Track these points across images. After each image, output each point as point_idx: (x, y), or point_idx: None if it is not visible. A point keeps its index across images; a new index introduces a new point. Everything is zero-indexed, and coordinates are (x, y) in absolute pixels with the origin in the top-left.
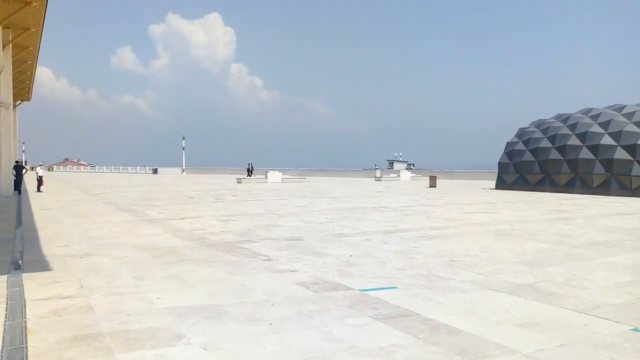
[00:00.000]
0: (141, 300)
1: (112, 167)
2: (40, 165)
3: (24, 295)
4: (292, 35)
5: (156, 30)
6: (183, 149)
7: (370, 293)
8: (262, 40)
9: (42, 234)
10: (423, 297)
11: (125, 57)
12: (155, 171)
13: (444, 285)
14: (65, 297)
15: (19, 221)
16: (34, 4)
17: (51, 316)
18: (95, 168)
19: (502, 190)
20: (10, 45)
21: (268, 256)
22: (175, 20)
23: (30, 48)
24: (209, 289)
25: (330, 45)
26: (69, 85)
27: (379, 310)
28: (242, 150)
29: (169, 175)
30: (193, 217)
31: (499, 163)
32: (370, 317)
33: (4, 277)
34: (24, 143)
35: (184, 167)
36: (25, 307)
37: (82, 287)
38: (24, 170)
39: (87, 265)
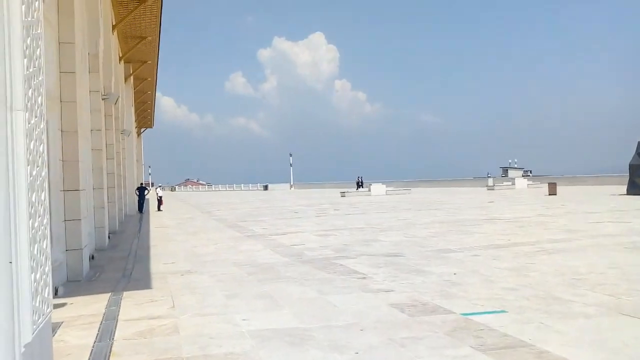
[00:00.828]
0: (227, 322)
1: (227, 185)
2: (160, 186)
3: (118, 314)
4: (394, 47)
5: (264, 54)
6: (290, 165)
7: (474, 318)
8: (365, 54)
9: (154, 251)
10: (537, 323)
11: (237, 82)
12: (265, 188)
13: (564, 310)
14: (155, 318)
15: (136, 239)
16: (149, 38)
17: (137, 338)
18: (211, 187)
19: (635, 196)
20: (132, 77)
21: (363, 274)
22: (280, 43)
23: (149, 79)
24: (297, 310)
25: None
26: (188, 111)
27: (483, 339)
28: (347, 164)
29: (278, 191)
30: (294, 232)
31: (630, 165)
32: (472, 347)
33: (107, 295)
34: (150, 167)
35: (292, 183)
36: (115, 328)
37: (173, 306)
38: (146, 192)
39: (185, 283)
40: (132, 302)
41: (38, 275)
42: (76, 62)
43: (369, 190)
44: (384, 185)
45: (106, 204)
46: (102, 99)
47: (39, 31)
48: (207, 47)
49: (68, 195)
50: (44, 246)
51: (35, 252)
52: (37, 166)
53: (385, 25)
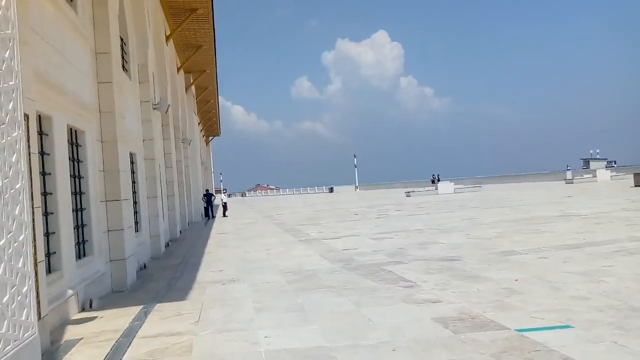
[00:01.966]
0: (246, 340)
1: (294, 189)
2: (224, 192)
3: (139, 330)
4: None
5: (328, 57)
6: (355, 166)
7: (530, 335)
8: (430, 48)
9: (206, 258)
10: (609, 343)
11: (303, 86)
12: (331, 190)
13: None
14: (174, 334)
15: (193, 246)
16: (204, 47)
17: (146, 358)
18: (279, 191)
19: None
20: (193, 87)
21: (412, 282)
22: (344, 45)
23: (210, 88)
24: (326, 326)
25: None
26: (257, 119)
27: None
28: (415, 163)
29: (343, 193)
30: (349, 236)
31: None
32: None
33: (138, 308)
34: (221, 173)
35: (357, 185)
36: (129, 346)
37: (198, 321)
38: (213, 198)
39: (221, 293)
40: (158, 316)
41: (6, 299)
42: (113, 71)
43: (436, 189)
44: (452, 183)
45: (161, 213)
46: (153, 108)
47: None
48: (272, 55)
49: (110, 206)
50: (20, 264)
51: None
52: (7, 178)
53: (451, 16)
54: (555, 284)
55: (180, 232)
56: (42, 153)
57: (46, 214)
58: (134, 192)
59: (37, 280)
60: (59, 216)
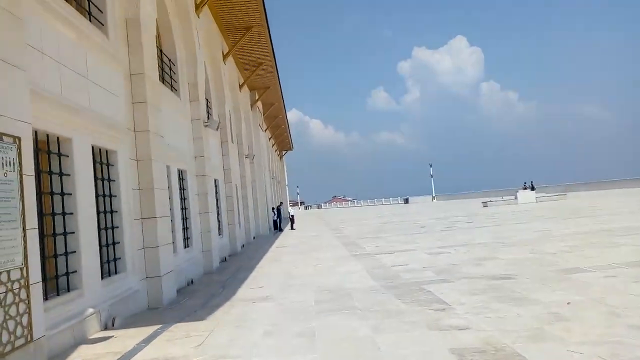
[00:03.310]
0: None
1: (369, 200)
2: (291, 205)
3: (137, 354)
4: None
5: (404, 66)
6: (431, 176)
7: None
8: (512, 52)
9: (254, 273)
10: None
11: (379, 97)
12: (406, 201)
13: None
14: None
15: (247, 261)
16: (264, 64)
17: None
18: (355, 203)
19: None
20: (259, 104)
21: (447, 304)
22: (420, 53)
23: (276, 104)
24: (329, 355)
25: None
26: (335, 131)
27: None
28: (499, 171)
29: (419, 204)
30: (405, 250)
31: None
32: None
33: (154, 328)
34: (298, 187)
35: (433, 195)
36: None
37: (200, 344)
38: (282, 211)
39: (243, 313)
40: (166, 338)
41: None
42: (147, 91)
43: (516, 198)
44: (533, 192)
45: (215, 228)
46: (204, 126)
47: None
48: (348, 68)
49: (145, 223)
50: None
51: None
52: None
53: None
54: (615, 309)
55: (243, 246)
56: (60, 174)
57: (65, 233)
58: (185, 209)
59: (28, 303)
60: (80, 236)
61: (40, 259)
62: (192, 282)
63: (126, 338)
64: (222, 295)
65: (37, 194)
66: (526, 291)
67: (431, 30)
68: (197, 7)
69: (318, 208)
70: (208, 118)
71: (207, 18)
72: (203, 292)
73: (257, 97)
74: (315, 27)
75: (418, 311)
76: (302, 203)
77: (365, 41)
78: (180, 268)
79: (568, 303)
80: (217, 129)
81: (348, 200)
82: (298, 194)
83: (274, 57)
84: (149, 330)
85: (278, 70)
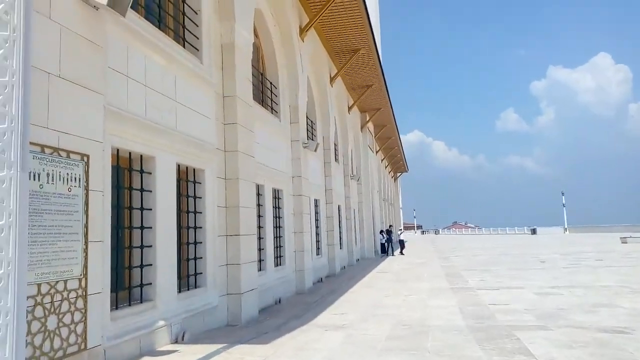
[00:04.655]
0: None
1: (492, 228)
2: (400, 229)
3: None
4: None
5: (538, 86)
6: (563, 205)
7: None
8: None
9: (343, 298)
10: None
11: (509, 118)
12: (533, 231)
13: None
14: None
15: (341, 284)
16: (375, 85)
17: None
18: (476, 230)
19: None
20: (370, 125)
21: (533, 356)
22: (556, 72)
23: (388, 125)
24: None
25: None
26: (459, 154)
27: None
28: None
29: (547, 235)
30: (511, 288)
31: None
32: None
33: (216, 347)
34: (414, 210)
35: (565, 227)
36: None
37: None
38: (393, 235)
39: (307, 342)
40: (223, 358)
41: None
42: (238, 113)
43: None
44: None
45: (311, 248)
46: (303, 147)
47: None
48: (476, 88)
49: (230, 241)
50: None
51: None
52: None
53: None
54: None
55: (344, 267)
56: (142, 190)
57: (142, 246)
58: (279, 227)
59: (85, 312)
60: (157, 249)
61: (114, 270)
62: (279, 301)
63: (188, 354)
64: (302, 318)
65: (116, 208)
66: (639, 352)
67: (569, 48)
68: (302, 32)
69: (435, 233)
70: (312, 139)
71: (313, 40)
72: (286, 312)
73: (367, 119)
74: (440, 47)
75: None
76: (419, 227)
77: (496, 60)
78: (268, 286)
79: None
80: (315, 150)
81: (469, 227)
82: (414, 217)
83: (384, 79)
84: (211, 348)
85: (389, 92)
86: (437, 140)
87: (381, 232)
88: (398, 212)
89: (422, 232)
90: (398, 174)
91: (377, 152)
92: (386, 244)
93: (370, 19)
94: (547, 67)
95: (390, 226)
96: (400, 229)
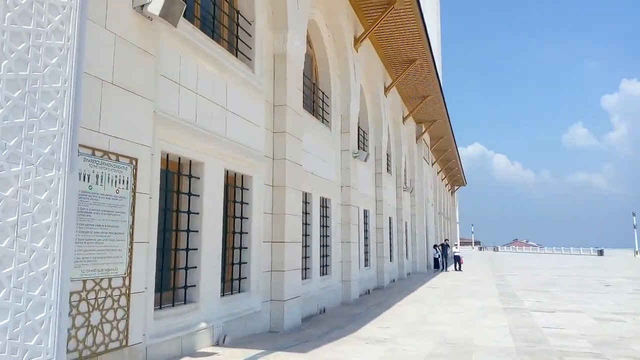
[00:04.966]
0: None
1: (554, 247)
2: (455, 245)
3: None
4: None
5: (609, 100)
6: (634, 227)
7: None
8: None
9: (388, 312)
10: None
11: (577, 133)
12: (600, 253)
13: None
14: None
15: (391, 297)
16: (431, 96)
17: None
18: (538, 249)
19: None
20: (425, 136)
21: None
22: (630, 86)
23: (445, 137)
24: None
25: None
26: (522, 168)
27: None
28: None
29: (615, 257)
30: (569, 311)
31: None
32: None
33: (254, 352)
34: (472, 225)
35: (636, 249)
36: None
37: None
38: (449, 249)
39: (347, 354)
40: None
41: (5, 322)
42: (287, 122)
43: None
44: None
45: (358, 259)
46: (353, 157)
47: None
48: (542, 101)
49: (275, 247)
50: (35, 293)
51: None
52: (27, 212)
53: None
54: None
55: (394, 281)
56: (189, 194)
57: (187, 249)
58: (326, 236)
59: (127, 310)
60: (202, 252)
61: (159, 271)
62: (324, 310)
63: (227, 357)
64: (344, 329)
65: (164, 211)
66: None
67: None
68: (356, 42)
69: (494, 250)
70: (363, 149)
71: (368, 50)
72: (329, 322)
73: (423, 130)
74: (505, 57)
75: None
76: (476, 243)
77: (564, 72)
78: (312, 295)
79: None
80: (365, 160)
81: (530, 246)
82: (472, 232)
83: (441, 90)
84: (250, 353)
85: (446, 103)
86: (498, 154)
87: (435, 246)
88: (454, 227)
89: (480, 248)
90: (455, 187)
91: (433, 164)
92: (440, 258)
93: (429, 29)
94: (620, 80)
95: (445, 240)
96: (456, 244)
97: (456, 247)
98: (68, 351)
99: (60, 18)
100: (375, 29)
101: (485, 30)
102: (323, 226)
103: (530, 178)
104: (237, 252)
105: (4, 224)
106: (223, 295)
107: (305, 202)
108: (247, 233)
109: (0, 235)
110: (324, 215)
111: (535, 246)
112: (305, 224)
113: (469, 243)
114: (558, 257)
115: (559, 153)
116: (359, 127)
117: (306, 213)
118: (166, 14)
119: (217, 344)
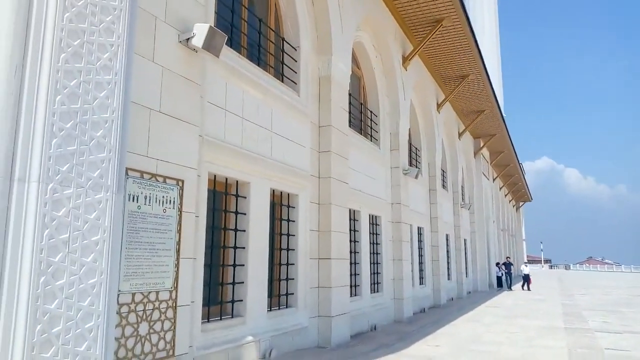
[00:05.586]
0: None
1: (632, 266)
2: (525, 263)
3: None
4: None
5: None
6: None
7: None
8: None
9: (441, 330)
10: None
11: None
12: None
13: None
14: None
15: (447, 315)
16: (487, 111)
17: None
18: (614, 267)
19: None
20: (484, 151)
21: None
22: None
23: (505, 152)
24: None
25: None
26: (596, 183)
27: None
28: None
29: None
30: (636, 333)
31: None
32: None
33: None
34: (542, 242)
35: None
36: None
37: None
38: (512, 267)
39: None
40: None
41: (57, 329)
42: (332, 142)
43: None
44: None
45: (411, 277)
46: (403, 174)
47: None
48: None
49: (322, 264)
50: (85, 303)
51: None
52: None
53: None
54: None
55: (452, 299)
56: (236, 213)
57: (234, 265)
58: (376, 254)
59: (174, 322)
60: (248, 268)
61: (207, 286)
62: (374, 327)
63: None
64: (392, 347)
65: (212, 229)
66: None
67: None
68: (405, 60)
69: (566, 269)
70: (415, 166)
71: (418, 68)
72: (378, 340)
73: (481, 145)
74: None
75: None
76: (546, 261)
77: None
78: (362, 312)
79: None
80: (416, 177)
81: (606, 264)
82: (542, 250)
83: (497, 104)
84: None
85: (504, 117)
86: (569, 168)
87: (497, 264)
88: (520, 244)
89: (550, 267)
90: (520, 204)
91: (494, 179)
92: (503, 277)
93: (488, 44)
94: None
95: (507, 258)
96: (525, 263)
97: (525, 266)
98: (118, 359)
99: (109, 55)
100: (424, 46)
101: (554, 44)
102: (373, 243)
103: (605, 192)
104: (284, 268)
105: (57, 241)
106: (270, 310)
107: (354, 220)
108: (293, 250)
109: (54, 250)
110: (374, 232)
111: (611, 264)
112: (354, 241)
113: (538, 261)
114: (636, 276)
115: (637, 166)
116: (410, 144)
117: (355, 230)
118: (208, 46)
119: (263, 358)
